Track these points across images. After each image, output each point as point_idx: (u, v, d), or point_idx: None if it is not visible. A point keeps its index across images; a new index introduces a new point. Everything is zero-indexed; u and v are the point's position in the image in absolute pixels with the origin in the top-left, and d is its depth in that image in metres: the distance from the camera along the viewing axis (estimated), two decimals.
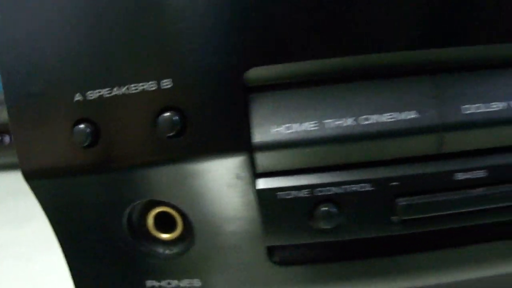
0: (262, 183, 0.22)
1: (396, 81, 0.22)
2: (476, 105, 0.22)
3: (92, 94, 0.22)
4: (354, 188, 0.22)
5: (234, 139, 0.22)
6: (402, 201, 0.22)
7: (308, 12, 0.21)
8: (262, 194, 0.22)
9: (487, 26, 0.21)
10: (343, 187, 0.22)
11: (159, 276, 0.25)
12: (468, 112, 0.22)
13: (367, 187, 0.22)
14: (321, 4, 0.21)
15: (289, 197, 0.22)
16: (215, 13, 0.21)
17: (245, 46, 0.21)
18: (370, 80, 0.22)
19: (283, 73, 0.22)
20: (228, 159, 0.22)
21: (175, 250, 0.25)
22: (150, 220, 0.25)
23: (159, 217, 0.25)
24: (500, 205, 0.22)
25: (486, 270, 0.25)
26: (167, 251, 0.25)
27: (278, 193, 0.22)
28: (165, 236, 0.25)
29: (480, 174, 0.22)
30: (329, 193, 0.22)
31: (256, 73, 0.21)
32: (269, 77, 0.22)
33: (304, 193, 0.22)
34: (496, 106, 0.22)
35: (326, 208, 0.22)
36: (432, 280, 0.25)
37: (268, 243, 0.23)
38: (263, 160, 0.22)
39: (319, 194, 0.22)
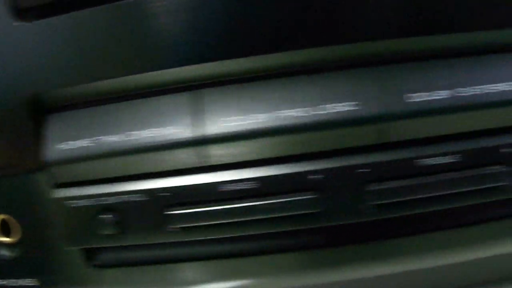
0: (57, 193, 0.25)
1: (157, 99, 0.24)
2: (237, 117, 0.23)
3: None
4: (129, 198, 0.24)
5: (33, 156, 0.25)
6: (172, 211, 0.24)
7: (91, 40, 0.23)
8: (56, 203, 0.25)
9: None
10: (119, 197, 0.24)
11: (4, 275, 0.29)
12: (229, 124, 0.23)
13: (141, 198, 0.24)
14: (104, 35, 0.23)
15: (76, 205, 0.25)
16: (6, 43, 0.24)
17: (36, 72, 0.24)
18: (138, 99, 0.24)
19: (72, 95, 0.25)
20: (34, 173, 0.25)
21: (15, 252, 0.28)
22: None
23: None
24: (268, 216, 0.23)
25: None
26: (9, 253, 0.29)
27: (68, 202, 0.25)
28: (6, 239, 0.29)
29: (249, 185, 0.23)
30: (108, 202, 0.24)
31: (48, 95, 0.24)
32: (61, 99, 0.25)
33: (88, 202, 0.24)
34: (255, 118, 0.23)
35: (106, 216, 0.24)
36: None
37: (67, 247, 0.26)
38: (59, 173, 0.25)
39: (100, 203, 0.24)
